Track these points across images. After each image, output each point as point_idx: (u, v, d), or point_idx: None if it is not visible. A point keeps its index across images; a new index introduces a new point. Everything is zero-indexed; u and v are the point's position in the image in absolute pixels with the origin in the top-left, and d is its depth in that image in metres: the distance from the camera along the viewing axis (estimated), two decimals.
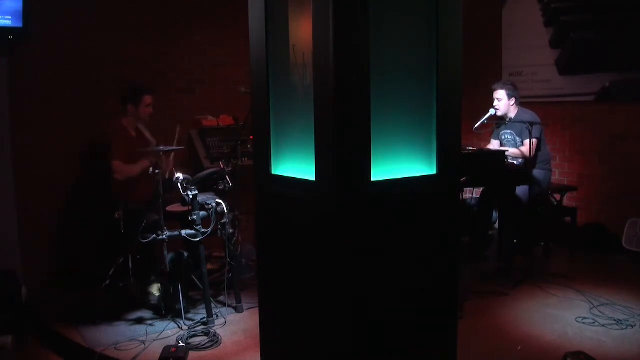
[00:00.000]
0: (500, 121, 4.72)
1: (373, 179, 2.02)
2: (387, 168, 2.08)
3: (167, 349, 3.05)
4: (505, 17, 5.85)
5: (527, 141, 4.41)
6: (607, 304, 3.69)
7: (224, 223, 3.74)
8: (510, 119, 4.61)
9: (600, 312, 3.58)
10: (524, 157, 4.47)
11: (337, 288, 2.03)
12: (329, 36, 1.90)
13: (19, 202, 4.17)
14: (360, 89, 1.96)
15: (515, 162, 4.53)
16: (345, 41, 1.91)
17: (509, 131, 4.67)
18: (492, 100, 4.64)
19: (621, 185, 5.00)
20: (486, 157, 4.24)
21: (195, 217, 3.53)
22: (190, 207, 3.55)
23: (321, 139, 2.00)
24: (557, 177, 5.33)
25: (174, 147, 3.84)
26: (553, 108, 5.44)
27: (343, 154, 1.94)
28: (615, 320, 3.43)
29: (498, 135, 4.80)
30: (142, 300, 3.80)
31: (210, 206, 3.63)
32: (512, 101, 4.57)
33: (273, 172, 2.31)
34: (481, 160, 4.17)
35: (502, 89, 4.58)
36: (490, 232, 5.15)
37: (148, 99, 4.09)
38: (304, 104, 2.14)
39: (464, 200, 4.86)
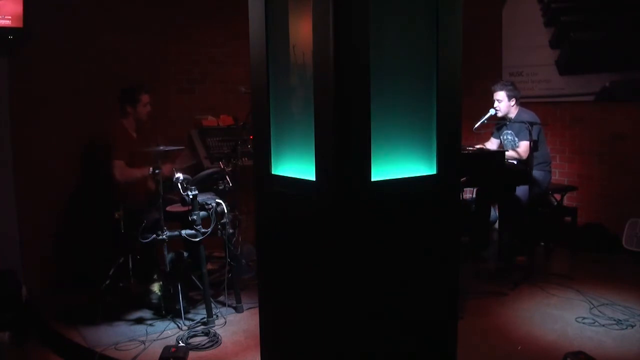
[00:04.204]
0: (501, 121, 4.72)
1: (373, 179, 2.02)
2: (387, 168, 2.08)
3: (167, 349, 3.05)
4: (505, 17, 5.85)
5: (522, 142, 4.42)
6: (607, 304, 3.69)
7: (224, 223, 3.73)
8: (511, 119, 4.61)
9: (600, 312, 3.58)
10: (519, 158, 4.47)
11: (337, 288, 2.03)
12: (329, 36, 1.90)
13: (19, 202, 4.16)
14: (360, 89, 1.96)
15: (515, 162, 4.52)
16: (345, 41, 1.91)
17: (509, 131, 4.67)
18: (492, 100, 4.64)
19: (621, 185, 5.00)
20: (486, 157, 4.24)
21: (195, 217, 3.53)
22: (190, 207, 3.56)
23: (321, 139, 2.00)
24: (557, 177, 5.33)
25: (174, 148, 3.83)
26: (553, 108, 5.44)
27: (343, 154, 1.94)
28: (615, 320, 3.43)
29: (499, 134, 4.79)
30: (142, 300, 3.80)
31: (210, 206, 3.63)
32: (513, 102, 4.56)
33: (273, 172, 2.31)
34: (481, 160, 4.17)
35: (502, 90, 4.57)
36: (490, 232, 5.15)
37: (145, 97, 4.10)
38: (304, 104, 2.14)
39: (464, 200, 4.86)
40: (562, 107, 5.43)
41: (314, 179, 2.06)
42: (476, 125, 4.47)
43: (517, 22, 5.74)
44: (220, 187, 4.00)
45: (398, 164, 2.13)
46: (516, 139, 4.60)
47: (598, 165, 5.19)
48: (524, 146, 4.33)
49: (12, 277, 3.85)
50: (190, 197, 3.51)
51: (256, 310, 2.72)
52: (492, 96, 4.63)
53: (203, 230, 3.56)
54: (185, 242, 3.64)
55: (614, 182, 5.06)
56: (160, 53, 4.86)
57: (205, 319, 3.53)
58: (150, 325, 3.53)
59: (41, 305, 3.89)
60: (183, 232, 3.57)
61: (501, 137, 4.76)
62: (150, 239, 3.51)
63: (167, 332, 3.43)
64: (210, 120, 5.08)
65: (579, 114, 5.32)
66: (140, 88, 4.10)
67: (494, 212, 4.99)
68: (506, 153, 4.52)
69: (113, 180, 3.93)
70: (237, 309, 3.78)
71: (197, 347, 3.21)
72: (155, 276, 3.86)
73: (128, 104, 4.07)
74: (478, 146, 4.62)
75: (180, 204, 3.75)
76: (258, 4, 2.28)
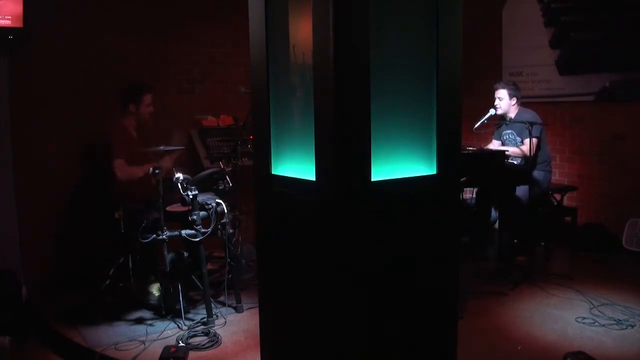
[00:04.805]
0: (501, 121, 4.73)
1: (373, 179, 2.02)
2: (387, 168, 2.08)
3: (167, 349, 3.05)
4: (505, 17, 5.85)
5: (527, 140, 4.42)
6: (607, 304, 3.69)
7: (224, 223, 3.73)
8: (511, 118, 4.61)
9: (600, 312, 3.58)
10: (524, 156, 4.48)
11: (337, 288, 2.03)
12: (329, 36, 1.90)
13: (19, 202, 4.17)
14: (360, 89, 1.96)
15: (515, 162, 4.53)
16: (345, 41, 1.91)
17: (509, 131, 4.68)
18: (492, 99, 4.65)
19: (621, 185, 5.00)
20: (486, 157, 4.24)
21: (195, 217, 3.53)
22: (190, 207, 3.56)
23: (321, 139, 2.00)
24: (557, 177, 5.33)
25: (174, 147, 3.84)
26: (553, 108, 5.44)
27: (343, 154, 1.94)
28: (615, 320, 3.43)
29: (499, 135, 4.80)
30: (142, 300, 3.80)
31: (210, 206, 3.63)
32: (514, 101, 4.57)
33: (273, 172, 2.31)
34: (481, 160, 4.17)
35: (504, 88, 4.59)
36: (490, 232, 5.14)
37: (148, 98, 4.09)
38: (304, 104, 2.14)
39: (464, 200, 4.86)
40: (562, 107, 5.43)
41: (314, 179, 2.06)
42: (476, 125, 4.47)
43: (517, 22, 5.74)
44: (220, 187, 4.00)
45: (398, 164, 2.13)
46: (518, 138, 4.60)
47: (598, 165, 5.19)
48: (528, 143, 4.33)
49: (12, 277, 3.84)
50: (190, 197, 3.51)
51: (256, 310, 2.72)
52: (493, 94, 4.64)
53: (203, 230, 3.56)
54: (185, 242, 3.64)
55: (614, 182, 5.06)
56: (160, 53, 4.86)
57: (205, 319, 3.53)
58: (150, 325, 3.53)
59: (41, 305, 3.89)
60: (183, 232, 3.57)
61: (502, 137, 4.77)
62: (150, 239, 3.51)
63: (167, 332, 3.43)
64: (210, 120, 5.08)
65: (579, 114, 5.32)
66: (144, 88, 4.10)
67: (494, 212, 4.99)
68: (511, 150, 4.53)
69: (115, 180, 3.93)
70: (237, 309, 3.78)
71: (197, 347, 3.21)
72: (155, 276, 3.86)
73: (131, 103, 4.06)
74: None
75: (180, 204, 3.75)
76: (258, 4, 2.28)
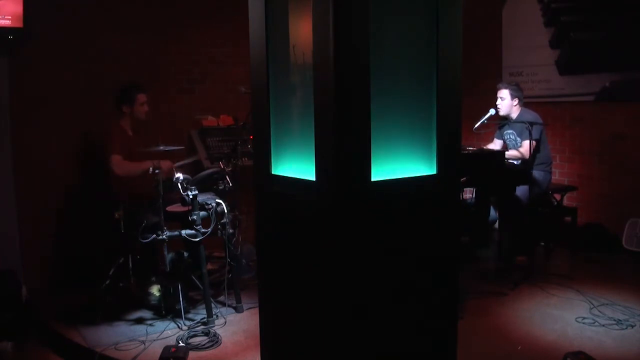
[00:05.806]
0: (502, 121, 4.73)
1: (373, 179, 2.02)
2: (387, 168, 2.08)
3: (167, 349, 3.05)
4: (505, 17, 5.85)
5: (525, 142, 4.42)
6: (607, 304, 3.69)
7: (224, 223, 3.73)
8: (512, 119, 4.61)
9: (600, 312, 3.58)
10: (522, 158, 4.47)
11: (337, 288, 2.03)
12: (329, 36, 1.90)
13: (19, 202, 4.17)
14: (360, 89, 1.96)
15: (515, 162, 4.53)
16: (345, 41, 1.91)
17: (510, 131, 4.68)
18: (493, 99, 4.65)
19: (621, 185, 5.00)
20: (486, 157, 4.24)
21: (195, 217, 3.53)
22: (190, 207, 3.56)
23: (321, 139, 2.00)
24: (557, 177, 5.33)
25: (174, 147, 3.83)
26: (553, 108, 5.44)
27: (343, 154, 1.94)
28: (615, 320, 3.43)
29: (501, 135, 4.80)
30: (142, 300, 3.80)
31: (210, 206, 3.63)
32: (515, 101, 4.57)
33: (273, 172, 2.31)
34: (481, 160, 4.17)
35: (506, 88, 4.59)
36: (490, 232, 5.14)
37: (142, 97, 4.09)
38: (304, 104, 2.14)
39: (464, 200, 4.86)
40: (562, 107, 5.43)
41: (314, 179, 2.06)
42: (476, 125, 4.47)
43: (517, 22, 5.75)
44: (220, 187, 4.00)
45: (398, 164, 2.13)
46: (518, 138, 4.60)
47: (598, 165, 5.19)
48: (526, 145, 4.34)
49: (12, 277, 3.84)
50: (190, 197, 3.51)
51: (256, 310, 2.72)
52: (495, 94, 4.64)
53: (203, 230, 3.56)
54: (185, 242, 3.64)
55: (614, 182, 5.06)
56: (160, 53, 4.86)
57: (205, 319, 3.53)
58: (150, 325, 3.53)
59: (41, 305, 3.89)
60: (183, 232, 3.57)
61: (504, 137, 4.77)
62: (150, 239, 3.51)
63: (167, 332, 3.43)
64: (210, 120, 5.08)
65: (579, 114, 5.33)
66: (136, 87, 4.10)
67: (494, 212, 4.99)
68: (509, 152, 4.54)
69: (112, 175, 3.92)
70: (237, 309, 3.78)
71: (197, 347, 3.21)
72: (155, 276, 3.86)
73: (125, 103, 4.07)
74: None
75: (180, 204, 3.75)
76: (258, 4, 2.28)
